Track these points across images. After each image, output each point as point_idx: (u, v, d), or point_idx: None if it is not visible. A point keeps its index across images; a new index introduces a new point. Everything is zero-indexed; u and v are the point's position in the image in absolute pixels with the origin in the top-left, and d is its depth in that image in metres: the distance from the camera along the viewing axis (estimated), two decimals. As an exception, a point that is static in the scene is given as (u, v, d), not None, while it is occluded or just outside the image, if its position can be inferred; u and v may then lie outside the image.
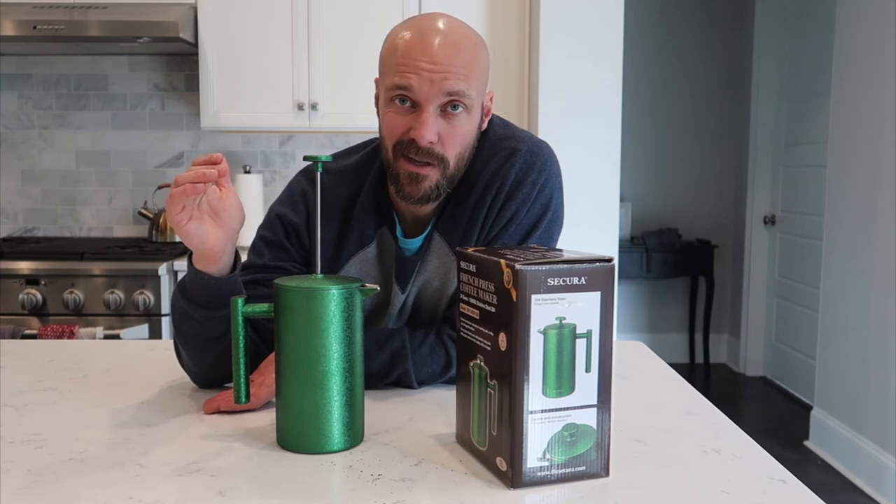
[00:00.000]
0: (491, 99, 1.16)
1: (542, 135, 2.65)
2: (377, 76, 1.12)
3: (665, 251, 4.40)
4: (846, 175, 3.12)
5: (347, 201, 1.18)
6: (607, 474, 0.81)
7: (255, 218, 2.94)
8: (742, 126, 4.59)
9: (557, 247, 1.18)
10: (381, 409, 1.03)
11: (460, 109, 1.06)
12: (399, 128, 1.07)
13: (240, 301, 0.91)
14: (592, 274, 0.78)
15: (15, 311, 2.55)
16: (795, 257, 4.15)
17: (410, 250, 1.18)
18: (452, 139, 1.07)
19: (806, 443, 3.40)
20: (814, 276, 3.77)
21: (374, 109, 1.14)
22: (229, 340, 1.03)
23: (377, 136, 1.17)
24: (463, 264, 0.86)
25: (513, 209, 1.13)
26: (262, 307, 0.91)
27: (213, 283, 1.01)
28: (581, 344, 0.78)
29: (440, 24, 1.06)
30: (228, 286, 1.02)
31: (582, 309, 0.78)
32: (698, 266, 4.52)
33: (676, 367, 4.53)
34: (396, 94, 1.05)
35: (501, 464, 0.79)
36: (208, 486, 0.78)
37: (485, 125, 1.16)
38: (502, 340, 0.78)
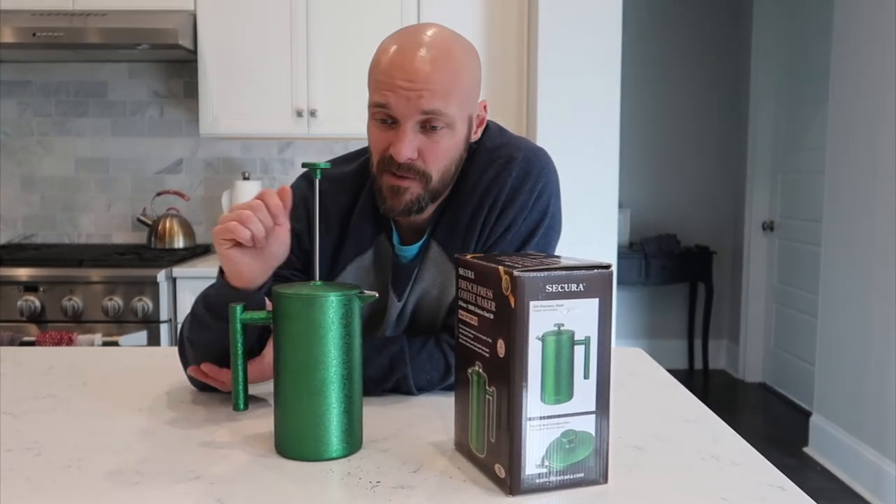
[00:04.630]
0: (485, 108, 1.16)
1: (541, 142, 2.66)
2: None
3: (664, 257, 4.40)
4: (844, 181, 3.12)
5: (346, 208, 1.19)
6: (606, 481, 0.81)
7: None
8: (740, 132, 4.59)
9: (555, 253, 1.18)
10: (380, 415, 1.03)
11: (439, 126, 1.06)
12: (381, 143, 1.08)
13: (238, 308, 0.91)
14: (590, 281, 0.78)
15: (13, 317, 2.55)
16: (794, 263, 4.15)
17: (407, 258, 1.18)
18: (433, 154, 1.07)
19: (805, 449, 3.40)
20: (812, 282, 3.77)
21: None
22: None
23: None
24: (461, 271, 0.86)
25: (510, 217, 1.13)
26: (261, 314, 0.91)
27: (237, 297, 1.00)
28: (579, 350, 0.78)
29: (424, 38, 1.05)
30: (253, 303, 1.01)
31: (580, 315, 0.78)
32: (697, 272, 4.52)
33: (675, 373, 4.53)
34: (377, 112, 1.06)
35: (500, 471, 0.79)
36: (207, 494, 0.78)
37: (478, 135, 1.16)
38: (501, 347, 0.78)
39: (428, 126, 1.05)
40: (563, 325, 0.77)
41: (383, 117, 1.06)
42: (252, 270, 0.99)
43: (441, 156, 1.08)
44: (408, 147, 1.05)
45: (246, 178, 3.04)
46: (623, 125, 3.07)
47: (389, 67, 1.04)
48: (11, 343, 2.47)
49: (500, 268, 0.77)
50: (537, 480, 0.78)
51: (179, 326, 1.15)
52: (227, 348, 1.03)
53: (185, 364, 1.13)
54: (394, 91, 1.03)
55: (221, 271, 1.03)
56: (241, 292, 1.01)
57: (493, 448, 0.81)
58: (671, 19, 4.66)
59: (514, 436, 0.77)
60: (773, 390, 4.36)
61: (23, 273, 2.58)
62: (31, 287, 2.56)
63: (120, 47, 2.77)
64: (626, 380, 1.24)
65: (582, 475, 0.80)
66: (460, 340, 0.87)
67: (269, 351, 1.03)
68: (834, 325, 3.20)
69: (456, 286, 0.88)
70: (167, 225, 3.00)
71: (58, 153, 3.21)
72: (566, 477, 0.79)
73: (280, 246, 1.00)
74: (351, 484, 0.81)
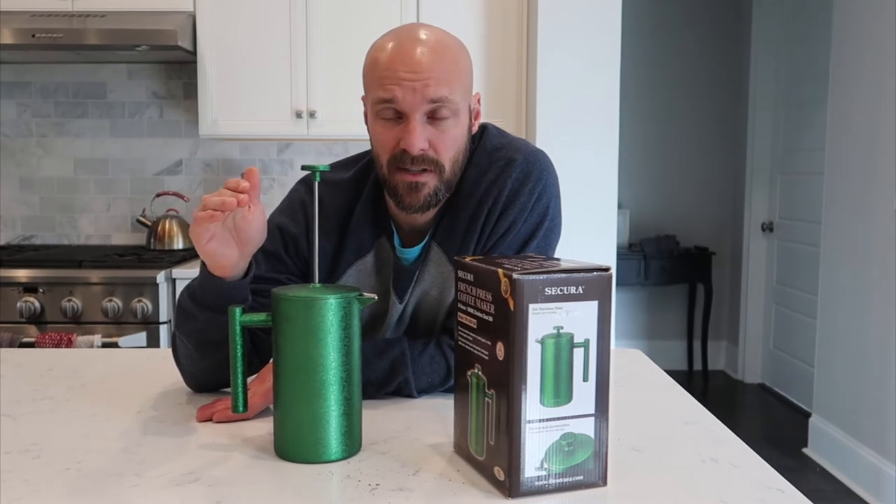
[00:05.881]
0: (478, 101, 1.16)
1: (540, 142, 2.66)
2: (363, 94, 1.13)
3: (663, 258, 4.40)
4: (843, 182, 3.13)
5: (345, 212, 1.19)
6: (605, 484, 0.81)
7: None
8: (740, 133, 4.60)
9: (555, 255, 1.18)
10: (379, 418, 1.03)
11: (446, 115, 1.07)
12: (390, 141, 1.08)
13: (238, 310, 0.91)
14: (590, 283, 0.78)
15: (13, 319, 2.55)
16: (793, 264, 4.16)
17: (408, 260, 1.18)
18: (443, 144, 1.08)
19: (805, 450, 3.40)
20: (812, 283, 3.77)
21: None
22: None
23: None
24: (461, 273, 0.86)
25: (510, 218, 1.13)
26: (260, 316, 0.91)
27: (223, 287, 1.02)
28: (579, 353, 0.78)
29: (418, 34, 1.07)
30: (237, 291, 1.04)
31: (579, 318, 0.78)
32: (696, 273, 4.52)
33: (674, 374, 4.53)
34: (382, 108, 1.07)
35: (499, 473, 0.79)
36: (206, 496, 0.78)
37: (475, 128, 1.17)
38: (500, 350, 0.78)
39: (435, 115, 1.06)
40: (562, 327, 0.77)
41: (389, 114, 1.07)
42: (232, 259, 1.00)
43: (450, 145, 1.09)
44: (419, 138, 1.06)
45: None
46: (623, 125, 3.07)
47: (391, 62, 1.05)
48: (11, 344, 2.47)
49: (500, 270, 0.77)
50: (536, 483, 0.78)
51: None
52: (215, 338, 1.04)
53: (179, 362, 1.14)
54: (399, 84, 1.04)
55: (203, 264, 1.04)
56: (224, 281, 1.02)
57: (493, 450, 0.81)
58: (671, 19, 4.66)
59: (514, 438, 0.77)
60: (772, 391, 4.36)
61: (22, 274, 2.57)
62: (30, 288, 2.56)
63: (119, 48, 2.77)
64: (624, 381, 1.24)
65: (581, 478, 0.80)
66: (460, 343, 0.87)
67: (269, 376, 1.04)
68: (833, 326, 3.20)
69: (455, 289, 0.88)
70: (167, 226, 3.00)
71: (57, 154, 3.21)
72: (565, 479, 0.79)
73: (254, 229, 1.00)
74: (350, 486, 0.81)
